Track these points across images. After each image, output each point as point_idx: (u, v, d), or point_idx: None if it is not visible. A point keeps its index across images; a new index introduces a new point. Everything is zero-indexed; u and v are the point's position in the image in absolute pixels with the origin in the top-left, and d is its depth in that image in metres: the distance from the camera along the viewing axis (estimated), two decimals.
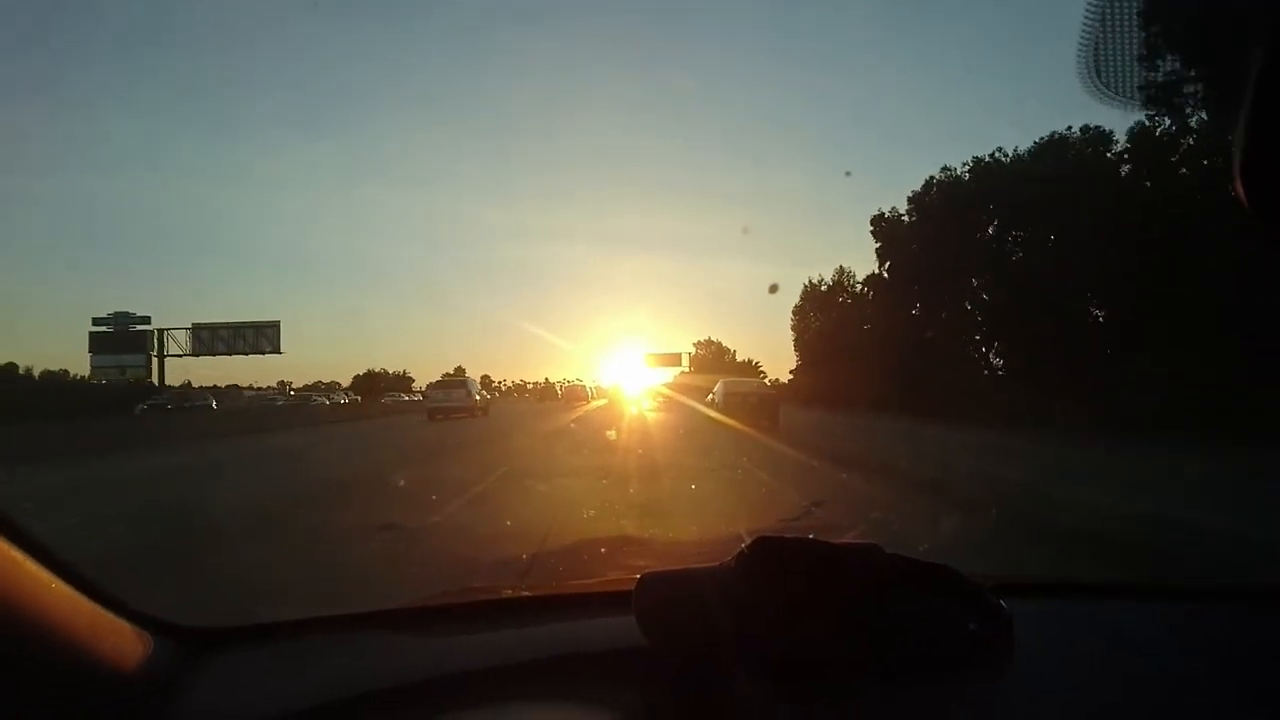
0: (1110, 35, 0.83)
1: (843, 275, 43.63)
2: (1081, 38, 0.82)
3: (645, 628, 0.77)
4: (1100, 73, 0.88)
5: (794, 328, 46.68)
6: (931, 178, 27.56)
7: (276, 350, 44.34)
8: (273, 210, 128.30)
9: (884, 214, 30.25)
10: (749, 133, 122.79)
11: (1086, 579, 1.32)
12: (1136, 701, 0.79)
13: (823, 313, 43.53)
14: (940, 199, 26.39)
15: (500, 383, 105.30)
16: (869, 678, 0.75)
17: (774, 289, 57.82)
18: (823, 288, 45.04)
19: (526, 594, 1.15)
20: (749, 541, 0.79)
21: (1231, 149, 0.61)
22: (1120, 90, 0.89)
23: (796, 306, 46.68)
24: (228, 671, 0.79)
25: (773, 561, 0.77)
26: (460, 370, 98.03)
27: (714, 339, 80.00)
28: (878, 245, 30.63)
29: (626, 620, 0.79)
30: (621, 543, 3.60)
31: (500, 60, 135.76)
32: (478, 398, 27.21)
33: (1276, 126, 0.59)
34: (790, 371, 47.36)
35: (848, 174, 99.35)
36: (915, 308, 28.70)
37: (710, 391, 20.65)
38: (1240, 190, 0.59)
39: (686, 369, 59.90)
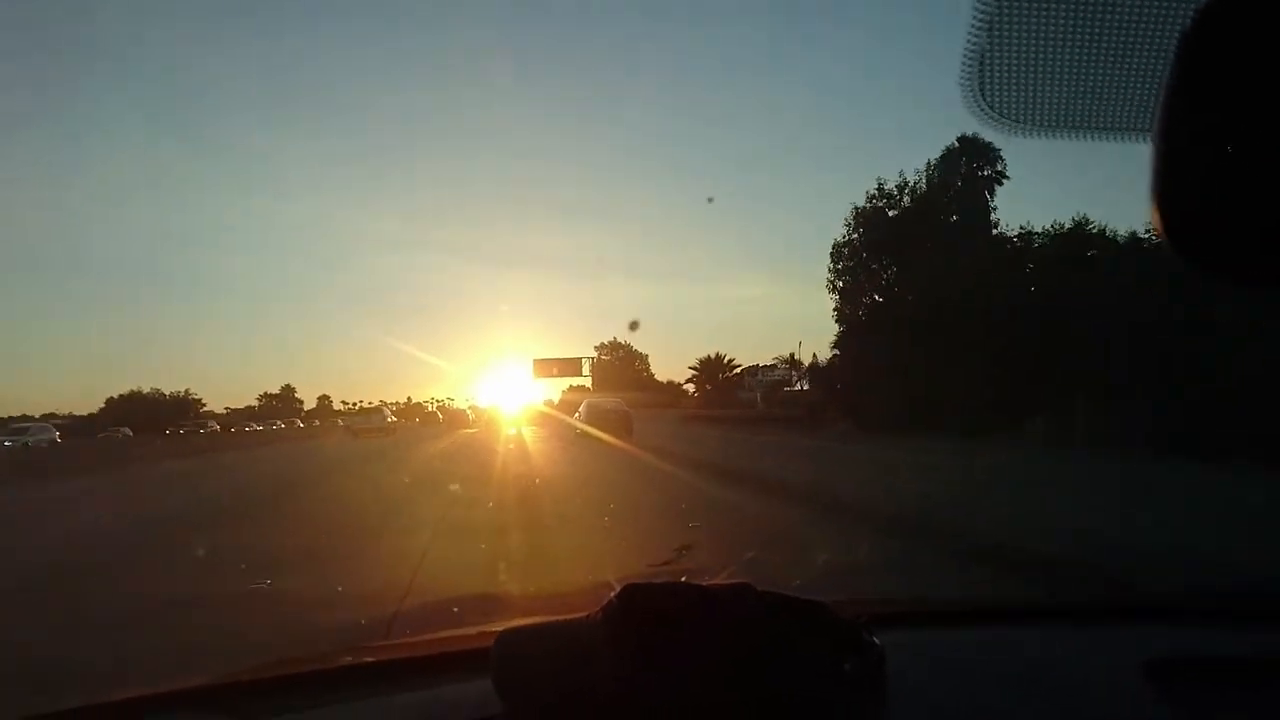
0: (997, 50, 0.81)
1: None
2: (966, 53, 0.79)
3: (503, 690, 0.72)
4: (985, 92, 0.85)
5: (841, 288, 26.49)
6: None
7: None
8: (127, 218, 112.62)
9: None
10: (641, 149, 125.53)
11: (964, 604, 1.33)
12: None
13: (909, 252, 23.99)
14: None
15: (355, 403, 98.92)
16: None
17: (634, 326, 59.64)
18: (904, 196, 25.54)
19: (368, 659, 1.03)
20: (616, 590, 0.76)
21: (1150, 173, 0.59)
22: (1007, 113, 0.87)
23: (843, 246, 26.53)
24: None
25: (640, 610, 0.74)
26: (289, 388, 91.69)
27: (621, 340, 71.43)
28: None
29: (483, 685, 0.74)
30: (480, 601, 3.26)
31: (378, 71, 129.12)
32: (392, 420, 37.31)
33: (1189, 151, 0.59)
34: (832, 351, 27.94)
35: (710, 200, 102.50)
36: None
37: (577, 410, 24.61)
38: (1156, 216, 0.59)
39: (587, 377, 55.91)
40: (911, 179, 26.06)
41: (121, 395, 65.45)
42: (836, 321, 27.13)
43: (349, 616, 3.62)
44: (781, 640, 0.77)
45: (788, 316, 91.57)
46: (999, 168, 25.48)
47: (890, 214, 26.29)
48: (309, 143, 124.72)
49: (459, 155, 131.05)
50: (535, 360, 52.89)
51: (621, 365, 69.64)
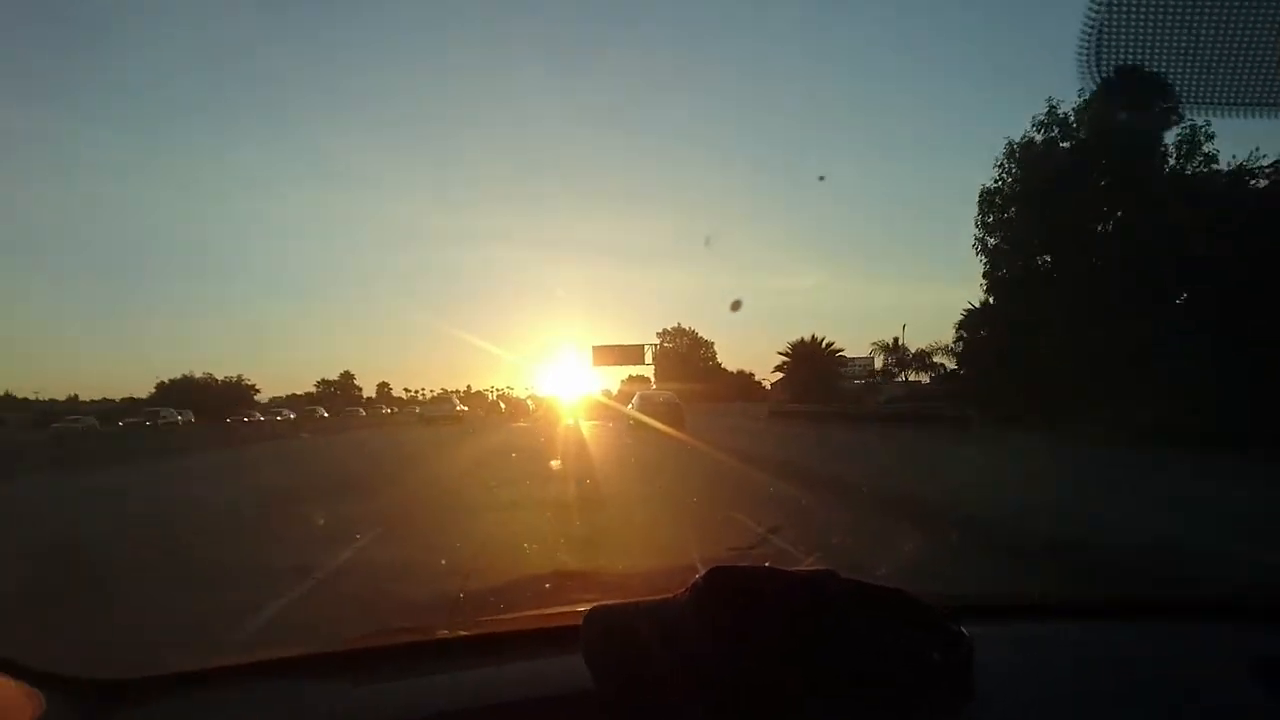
0: (1116, 22, 0.79)
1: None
2: (1084, 26, 0.77)
3: (593, 666, 0.74)
4: (1101, 67, 0.83)
5: (993, 249, 21.38)
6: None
7: None
8: (207, 213, 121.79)
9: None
10: (703, 133, 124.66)
11: (1047, 598, 1.31)
12: None
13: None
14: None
15: (417, 393, 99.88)
16: (827, 713, 0.72)
17: (736, 306, 54.10)
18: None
19: (463, 633, 1.08)
20: (702, 572, 0.77)
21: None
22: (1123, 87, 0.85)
23: (993, 194, 21.19)
24: None
25: (727, 593, 0.75)
26: (348, 375, 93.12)
27: (685, 326, 68.01)
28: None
29: (573, 660, 0.76)
30: (566, 577, 3.39)
31: (435, 60, 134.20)
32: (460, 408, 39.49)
33: None
34: (958, 335, 23.87)
35: (821, 178, 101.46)
36: None
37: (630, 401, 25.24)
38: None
39: (649, 366, 53.59)
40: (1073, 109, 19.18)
41: (173, 380, 63.52)
42: (987, 292, 21.56)
43: (450, 587, 3.89)
44: (867, 627, 0.76)
45: (868, 306, 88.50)
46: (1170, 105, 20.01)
47: (1064, 145, 19.47)
48: (370, 136, 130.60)
49: (523, 145, 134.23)
50: (595, 348, 50.82)
51: (686, 352, 66.41)
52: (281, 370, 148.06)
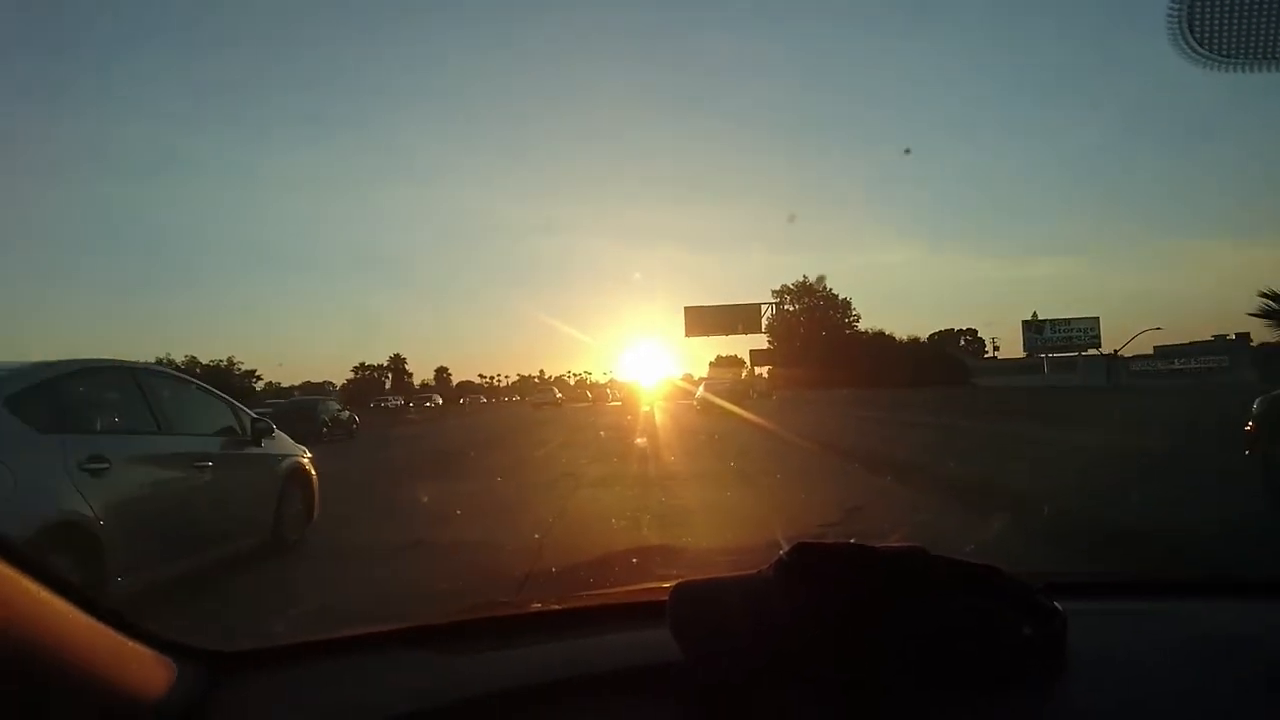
0: None
1: None
2: None
3: (681, 640, 0.75)
4: (1194, 29, 0.74)
5: None
6: None
7: None
8: (275, 209, 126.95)
9: None
10: (786, 117, 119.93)
11: (1142, 576, 1.28)
12: (1201, 707, 0.74)
13: None
14: None
15: (493, 379, 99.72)
16: (918, 688, 0.71)
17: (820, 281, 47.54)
18: None
19: (556, 607, 1.13)
20: (787, 549, 0.76)
21: None
22: (1216, 48, 0.75)
23: None
24: (250, 696, 0.79)
25: (813, 569, 0.75)
26: (398, 358, 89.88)
27: (812, 279, 49.25)
28: None
29: (659, 634, 0.77)
30: (651, 552, 3.53)
31: (515, 50, 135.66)
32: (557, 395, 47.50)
33: None
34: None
35: (907, 151, 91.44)
36: None
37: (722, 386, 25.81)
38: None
39: (761, 336, 45.82)
40: None
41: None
42: None
43: (546, 561, 4.12)
44: (956, 602, 0.75)
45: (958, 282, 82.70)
46: None
47: None
48: (439, 124, 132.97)
49: (601, 133, 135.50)
50: (688, 310, 42.51)
51: (815, 315, 48.63)
52: (323, 355, 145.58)
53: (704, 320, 42.04)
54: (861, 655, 0.71)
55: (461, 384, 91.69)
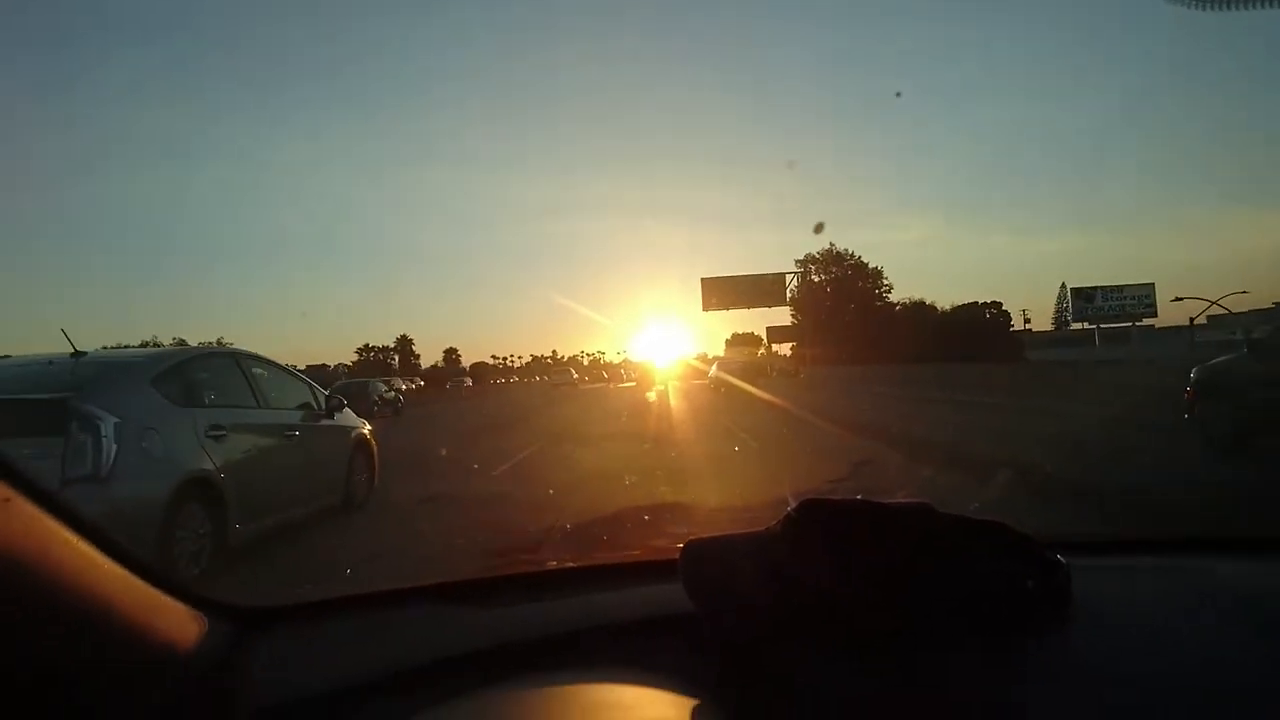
0: None
1: None
2: None
3: (693, 595, 0.77)
4: None
5: None
6: None
7: None
8: (276, 191, 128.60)
9: None
10: (799, 87, 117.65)
11: (1145, 534, 1.25)
12: (1204, 660, 0.73)
13: None
14: None
15: (506, 359, 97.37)
16: (923, 640, 0.72)
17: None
18: None
19: (571, 565, 1.19)
20: (794, 505, 0.77)
21: None
22: None
23: None
24: (279, 649, 0.82)
25: (820, 524, 0.76)
26: (405, 339, 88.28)
27: (840, 247, 46.79)
28: None
29: (673, 588, 0.79)
30: (663, 510, 4.00)
31: (522, 28, 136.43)
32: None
33: None
34: None
35: (898, 94, 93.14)
36: None
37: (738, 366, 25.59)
38: None
39: (784, 309, 43.01)
40: None
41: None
42: None
43: (566, 516, 4.58)
44: (963, 556, 0.76)
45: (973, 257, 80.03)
46: None
47: None
48: (459, 109, 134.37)
49: (613, 108, 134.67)
50: (705, 281, 40.19)
51: (844, 285, 46.09)
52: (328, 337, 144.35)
53: (722, 292, 39.72)
54: (869, 608, 0.73)
55: (475, 365, 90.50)
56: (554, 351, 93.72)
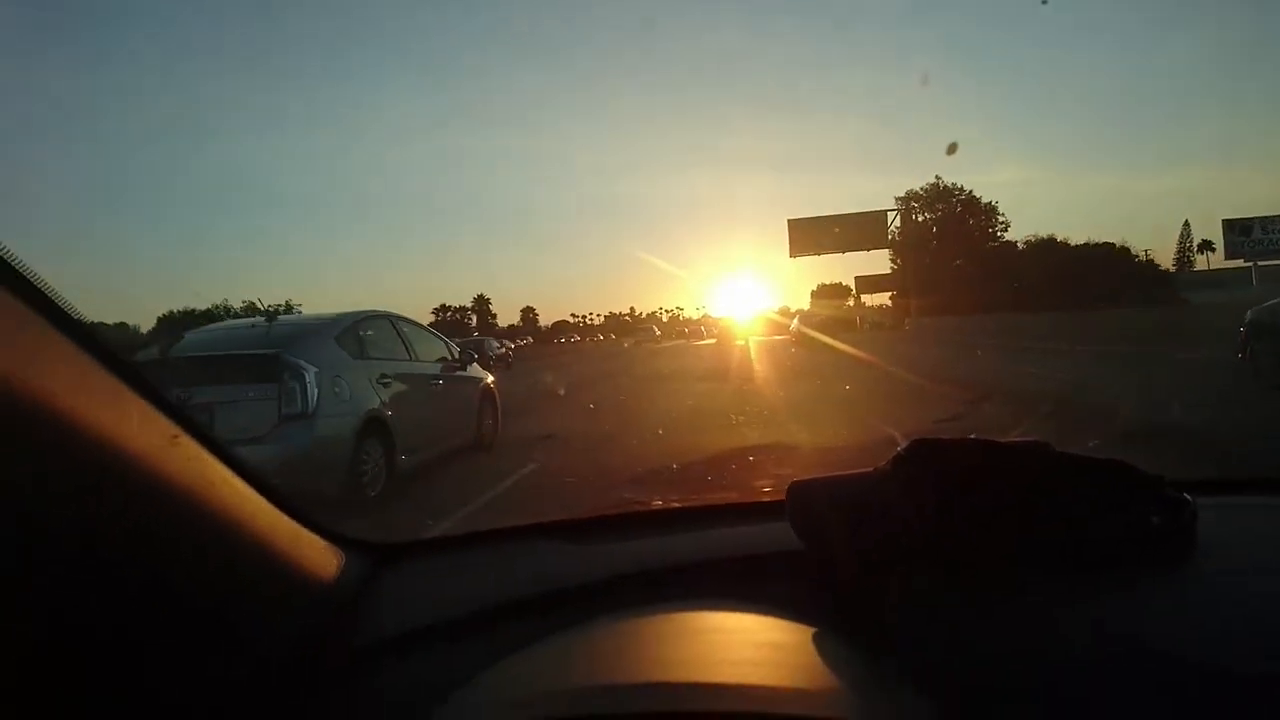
0: None
1: None
2: None
3: (800, 533, 0.76)
4: None
5: None
6: None
7: None
8: (353, 153, 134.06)
9: None
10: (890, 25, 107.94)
11: (1271, 473, 1.20)
12: None
13: None
14: None
15: (584, 318, 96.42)
16: (1038, 578, 0.70)
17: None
18: None
19: (679, 505, 1.20)
20: (904, 444, 0.75)
21: None
22: None
23: None
24: (406, 583, 0.86)
25: (932, 463, 0.74)
26: (482, 299, 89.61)
27: (944, 179, 39.30)
28: None
29: (779, 526, 0.78)
30: (767, 451, 4.30)
31: None
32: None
33: None
34: None
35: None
36: None
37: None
38: None
39: (884, 253, 39.06)
40: None
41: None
42: None
43: (679, 458, 5.02)
44: (1081, 494, 0.73)
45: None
46: None
47: None
48: (533, 68, 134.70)
49: (692, 57, 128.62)
50: (792, 224, 35.70)
51: (952, 225, 38.91)
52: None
53: (812, 234, 34.79)
54: (982, 548, 0.70)
55: (555, 324, 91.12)
56: (631, 308, 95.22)
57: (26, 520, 0.43)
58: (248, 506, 0.62)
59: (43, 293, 0.45)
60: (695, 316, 59.94)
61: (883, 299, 46.03)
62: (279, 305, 8.32)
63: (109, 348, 0.49)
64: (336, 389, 4.48)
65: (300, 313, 6.70)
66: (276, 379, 4.25)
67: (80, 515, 0.46)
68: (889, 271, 42.88)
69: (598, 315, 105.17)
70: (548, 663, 0.64)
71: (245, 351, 4.60)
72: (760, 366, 16.01)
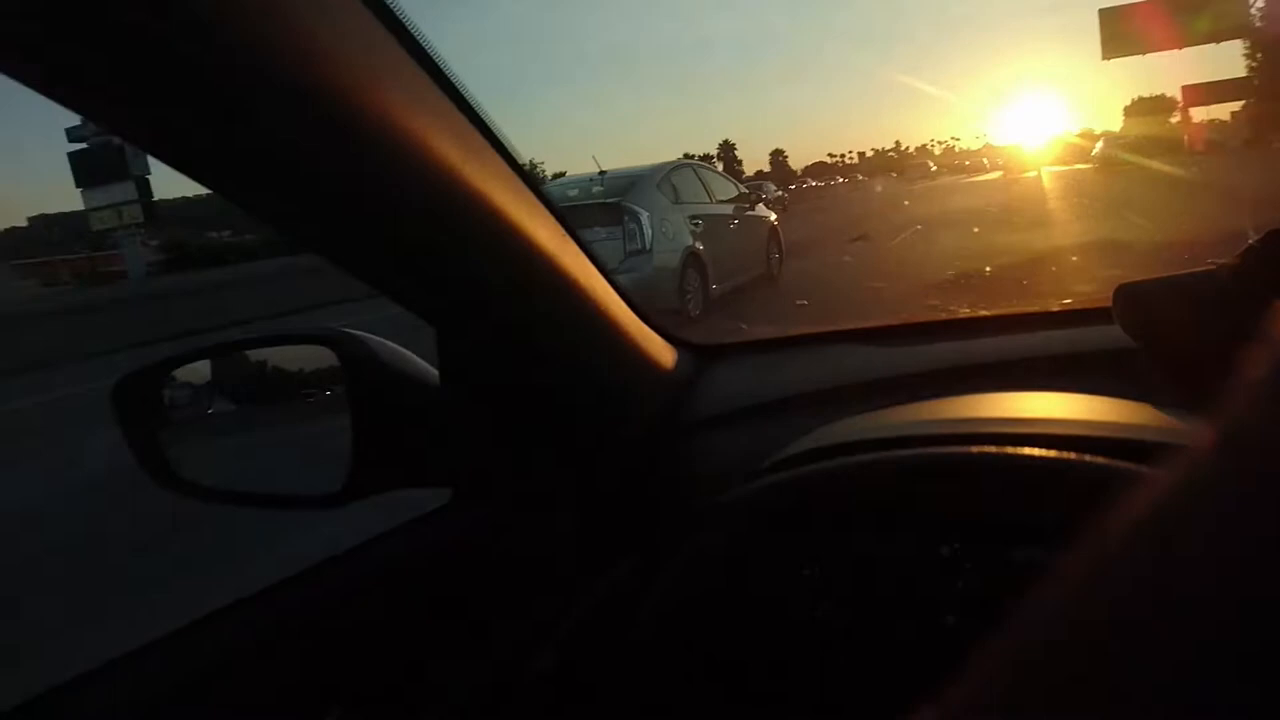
0: None
1: None
2: None
3: (1131, 332, 0.67)
4: None
5: None
6: None
7: None
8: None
9: None
10: None
11: None
12: None
13: None
14: None
15: (842, 156, 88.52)
16: None
17: None
18: None
19: (984, 313, 1.12)
20: (1256, 237, 0.63)
21: None
22: None
23: None
24: (724, 375, 0.94)
25: None
26: (728, 144, 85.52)
27: None
28: None
29: (1101, 330, 0.72)
30: (1089, 248, 3.84)
31: None
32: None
33: None
34: None
35: None
36: None
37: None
38: None
39: (1244, 54, 28.47)
40: None
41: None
42: None
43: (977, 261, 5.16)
44: None
45: None
46: None
47: None
48: None
49: None
50: (1105, 15, 26.32)
51: None
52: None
53: (1137, 25, 25.87)
54: None
55: (812, 166, 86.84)
56: (897, 143, 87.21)
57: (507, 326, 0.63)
58: (614, 305, 0.74)
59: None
60: (974, 147, 51.79)
61: (1223, 112, 33.11)
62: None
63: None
64: (664, 230, 5.46)
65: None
66: (619, 222, 5.36)
67: (526, 309, 0.63)
68: (1243, 76, 29.40)
69: (858, 153, 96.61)
70: (866, 422, 0.71)
71: (597, 201, 5.76)
72: (1054, 204, 13.66)
